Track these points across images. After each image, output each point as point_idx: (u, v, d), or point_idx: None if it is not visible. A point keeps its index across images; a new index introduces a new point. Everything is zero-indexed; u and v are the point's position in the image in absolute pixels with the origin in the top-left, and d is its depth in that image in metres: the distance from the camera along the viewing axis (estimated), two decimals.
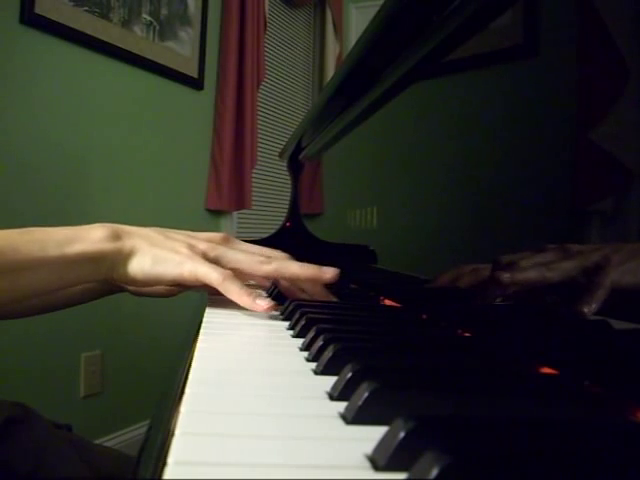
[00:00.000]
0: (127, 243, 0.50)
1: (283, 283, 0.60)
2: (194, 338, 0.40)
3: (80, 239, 0.48)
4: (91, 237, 0.48)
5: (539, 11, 0.38)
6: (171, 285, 0.55)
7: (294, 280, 0.58)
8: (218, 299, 0.61)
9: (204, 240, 0.54)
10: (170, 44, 2.02)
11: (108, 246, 0.48)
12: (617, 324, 0.28)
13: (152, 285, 0.51)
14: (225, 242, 0.56)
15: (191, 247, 0.51)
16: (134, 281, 0.50)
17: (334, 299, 0.59)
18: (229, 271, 0.50)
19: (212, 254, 0.52)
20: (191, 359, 0.33)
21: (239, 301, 0.49)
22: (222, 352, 0.36)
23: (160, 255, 0.50)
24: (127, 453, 0.73)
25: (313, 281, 0.56)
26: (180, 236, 0.53)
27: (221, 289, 0.49)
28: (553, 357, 0.32)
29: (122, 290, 0.67)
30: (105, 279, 0.50)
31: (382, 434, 0.19)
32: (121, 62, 1.82)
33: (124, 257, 0.49)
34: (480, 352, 0.37)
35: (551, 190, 0.35)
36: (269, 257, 0.55)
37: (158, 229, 0.54)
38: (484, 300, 0.39)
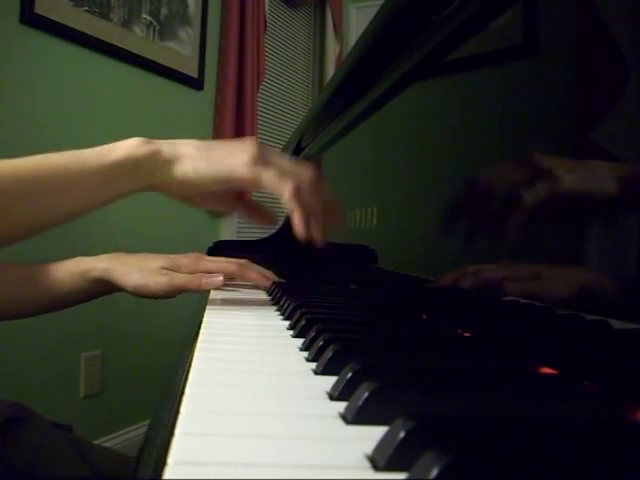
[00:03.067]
0: (166, 148, 0.50)
1: None
2: (194, 338, 0.40)
3: (115, 149, 0.49)
4: (125, 145, 0.49)
5: (539, 11, 0.38)
6: (221, 192, 0.55)
7: None
8: (218, 303, 0.61)
9: (247, 144, 0.52)
10: (170, 44, 2.01)
11: (143, 150, 0.49)
12: (617, 324, 0.28)
13: (204, 189, 0.51)
14: (262, 148, 0.54)
15: (242, 149, 0.51)
16: (184, 184, 0.50)
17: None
18: (296, 184, 0.50)
19: (260, 154, 0.51)
20: (191, 359, 0.33)
21: (298, 222, 0.50)
22: (222, 352, 0.36)
23: (213, 157, 0.50)
24: (127, 453, 0.73)
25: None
26: (221, 143, 0.53)
27: (288, 200, 0.49)
28: (553, 357, 0.32)
29: (118, 290, 0.66)
30: (147, 186, 0.51)
31: (382, 434, 0.19)
32: (121, 62, 1.82)
33: (166, 161, 0.50)
34: (480, 352, 0.37)
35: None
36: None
37: (196, 140, 0.54)
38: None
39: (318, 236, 0.53)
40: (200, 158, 0.50)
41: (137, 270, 0.63)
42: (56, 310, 0.72)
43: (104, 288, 0.66)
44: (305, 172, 0.52)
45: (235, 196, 0.60)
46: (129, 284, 0.62)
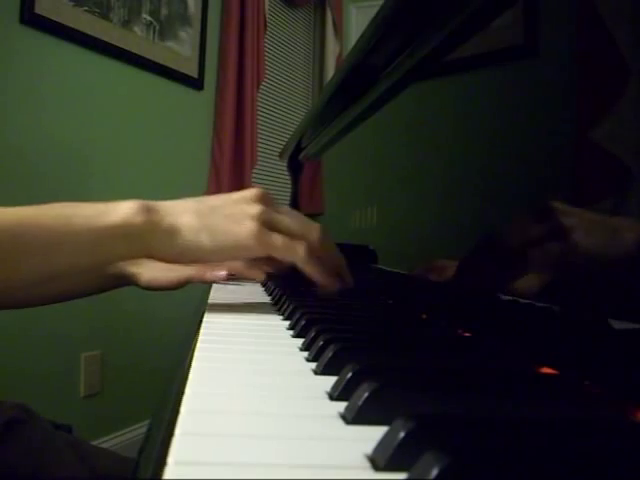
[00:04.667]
0: (165, 218, 0.46)
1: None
2: (194, 338, 0.40)
3: (109, 213, 0.45)
4: (120, 211, 0.45)
5: (539, 11, 0.38)
6: (233, 257, 0.50)
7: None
8: (218, 303, 0.61)
9: (249, 200, 0.49)
10: (170, 44, 2.02)
11: (138, 220, 0.45)
12: (617, 324, 0.28)
13: (206, 260, 0.47)
14: (265, 202, 0.50)
15: (244, 212, 0.47)
16: (184, 256, 0.46)
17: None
18: (307, 245, 0.47)
19: (265, 217, 0.48)
20: (191, 359, 0.33)
21: (320, 279, 0.48)
22: (222, 352, 0.36)
23: (216, 226, 0.46)
24: (127, 454, 0.73)
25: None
26: (223, 202, 0.49)
27: (302, 265, 0.47)
28: (553, 357, 0.32)
29: (129, 284, 0.64)
30: (143, 256, 0.47)
31: (382, 434, 0.19)
32: (121, 62, 1.82)
33: (164, 233, 0.46)
34: (480, 352, 0.37)
35: (551, 190, 0.35)
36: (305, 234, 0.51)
37: (195, 198, 0.50)
38: None
39: (347, 284, 0.53)
40: (202, 229, 0.46)
41: (149, 264, 0.62)
42: (65, 300, 0.71)
43: (118, 282, 0.64)
44: (312, 229, 0.50)
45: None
46: (142, 278, 0.61)
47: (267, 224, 0.48)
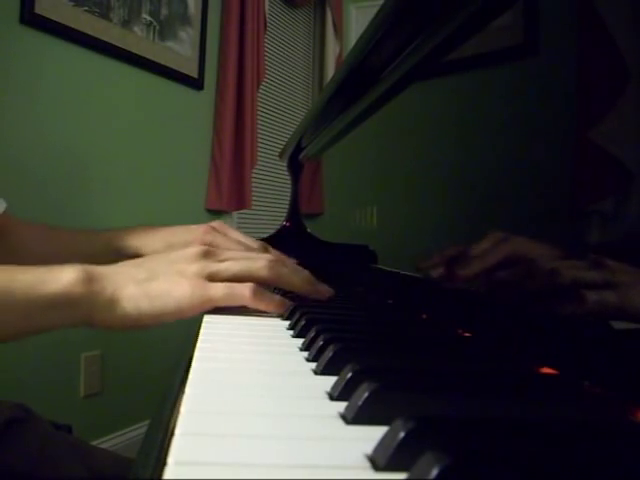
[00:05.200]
0: (107, 286, 0.45)
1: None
2: (194, 338, 0.40)
3: (49, 281, 0.44)
4: (61, 279, 0.44)
5: (539, 11, 0.38)
6: (176, 319, 0.49)
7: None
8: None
9: (188, 259, 0.49)
10: (170, 44, 2.02)
11: (79, 290, 0.44)
12: (617, 324, 0.28)
13: (151, 326, 0.48)
14: (205, 254, 0.51)
15: (181, 273, 0.48)
16: (127, 324, 0.46)
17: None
18: (252, 285, 0.47)
19: (205, 272, 0.48)
20: (191, 359, 0.33)
21: (278, 311, 0.49)
22: (222, 352, 0.36)
23: (155, 291, 0.46)
24: (127, 454, 0.73)
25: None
26: (163, 263, 0.50)
27: (253, 305, 0.47)
28: (553, 357, 0.32)
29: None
30: (82, 324, 0.46)
31: (382, 434, 0.19)
32: (121, 62, 1.82)
33: (105, 303, 0.45)
34: (480, 352, 0.37)
35: (551, 190, 0.35)
36: (257, 255, 0.52)
37: (134, 262, 0.50)
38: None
39: (322, 294, 0.53)
40: (141, 297, 0.45)
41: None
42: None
43: None
44: (257, 268, 0.50)
45: None
46: None
47: (208, 278, 0.47)
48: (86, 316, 0.45)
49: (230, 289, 0.47)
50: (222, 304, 0.47)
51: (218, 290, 0.46)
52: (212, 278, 0.48)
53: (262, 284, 0.50)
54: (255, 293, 0.47)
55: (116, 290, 0.45)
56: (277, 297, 0.50)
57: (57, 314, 0.44)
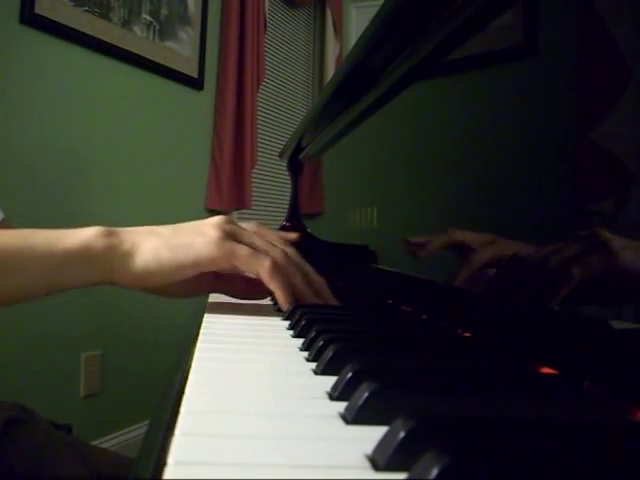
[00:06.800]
0: (126, 240, 0.46)
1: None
2: (194, 338, 0.40)
3: (69, 237, 0.45)
4: (81, 235, 0.45)
5: (539, 11, 0.38)
6: (192, 275, 0.48)
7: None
8: (218, 303, 0.61)
9: (213, 223, 0.48)
10: (170, 44, 2.02)
11: (99, 243, 0.45)
12: (617, 324, 0.28)
13: (171, 279, 0.47)
14: (230, 222, 0.50)
15: (210, 225, 0.47)
16: (147, 278, 0.46)
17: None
18: (273, 259, 0.46)
19: (230, 233, 0.47)
20: (191, 359, 0.33)
21: (282, 297, 0.47)
22: (222, 352, 0.36)
23: (176, 243, 0.46)
24: (127, 454, 0.73)
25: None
26: (186, 225, 0.49)
27: (267, 278, 0.46)
28: (553, 357, 0.32)
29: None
30: (103, 281, 0.46)
31: (382, 434, 0.19)
32: (121, 62, 1.82)
33: (125, 255, 0.45)
34: (480, 352, 0.37)
35: (551, 190, 0.35)
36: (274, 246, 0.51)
37: (159, 226, 0.50)
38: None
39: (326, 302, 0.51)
40: (162, 247, 0.45)
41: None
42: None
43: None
44: (278, 249, 0.49)
45: (214, 275, 0.53)
46: None
47: (231, 235, 0.47)
48: (107, 270, 0.45)
49: (255, 254, 0.46)
50: (242, 266, 0.46)
51: (242, 249, 0.46)
52: (233, 236, 0.47)
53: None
54: (274, 267, 0.46)
55: (136, 242, 0.46)
56: (289, 287, 0.48)
57: (78, 269, 0.45)
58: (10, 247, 0.44)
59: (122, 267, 0.45)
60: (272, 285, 0.47)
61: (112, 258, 0.45)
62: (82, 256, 0.45)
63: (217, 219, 0.49)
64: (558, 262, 0.32)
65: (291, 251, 0.51)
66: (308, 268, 0.52)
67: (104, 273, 0.46)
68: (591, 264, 0.30)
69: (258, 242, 0.48)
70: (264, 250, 0.48)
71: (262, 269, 0.46)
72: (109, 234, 0.46)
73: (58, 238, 0.45)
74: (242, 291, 0.55)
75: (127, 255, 0.45)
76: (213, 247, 0.45)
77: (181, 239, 0.46)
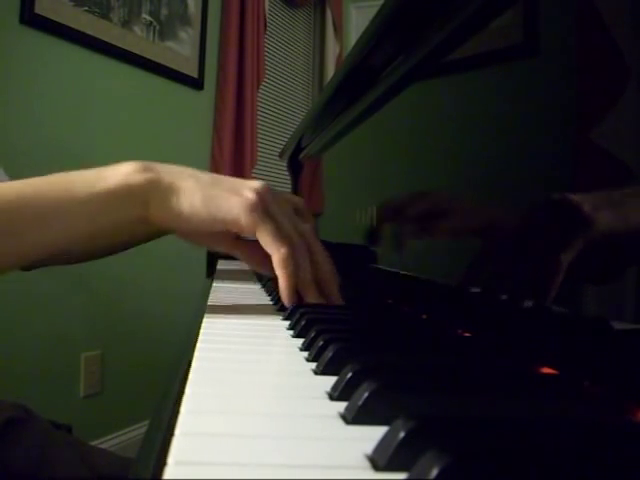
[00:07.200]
0: (165, 177, 0.45)
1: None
2: (194, 338, 0.40)
3: (108, 175, 0.45)
4: (119, 172, 0.45)
5: (539, 11, 0.38)
6: (219, 233, 0.49)
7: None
8: (218, 303, 0.61)
9: (251, 187, 0.47)
10: (170, 44, 2.02)
11: (138, 178, 0.44)
12: (617, 324, 0.28)
13: (199, 228, 0.46)
14: (269, 192, 0.49)
15: (249, 188, 0.46)
16: (178, 220, 0.45)
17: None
18: (290, 249, 0.45)
19: (264, 196, 0.47)
20: (191, 359, 0.33)
21: (283, 289, 0.47)
22: (222, 352, 0.36)
23: (212, 194, 0.45)
24: (127, 454, 0.73)
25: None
26: (227, 179, 0.48)
27: (276, 266, 0.45)
28: (553, 357, 0.32)
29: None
30: (141, 218, 0.46)
31: (382, 434, 0.19)
32: (121, 62, 1.82)
33: (162, 192, 0.45)
34: (480, 352, 0.37)
35: (551, 190, 0.35)
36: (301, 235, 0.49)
37: (202, 171, 0.49)
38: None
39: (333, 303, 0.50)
40: (198, 193, 0.45)
41: None
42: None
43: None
44: (302, 239, 0.48)
45: (234, 237, 0.53)
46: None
47: (265, 205, 0.46)
48: (143, 207, 0.45)
49: (277, 233, 0.45)
50: (261, 240, 0.46)
51: (268, 228, 0.45)
52: (267, 208, 0.47)
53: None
54: (289, 256, 0.45)
55: (175, 181, 0.45)
56: (293, 282, 0.47)
57: (116, 205, 0.44)
58: (50, 195, 0.43)
59: (158, 204, 0.45)
60: (279, 273, 0.46)
61: (150, 195, 0.45)
62: (122, 193, 0.44)
63: (258, 184, 0.48)
64: (544, 248, 0.33)
65: (312, 237, 0.50)
66: (321, 257, 0.51)
67: (140, 209, 0.45)
68: (572, 236, 0.30)
69: (287, 224, 0.48)
70: (288, 234, 0.47)
71: (277, 254, 0.46)
72: (147, 169, 0.45)
73: (96, 177, 0.44)
74: (257, 262, 0.53)
75: (165, 193, 0.45)
76: (245, 211, 0.45)
77: (218, 192, 0.46)
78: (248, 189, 0.47)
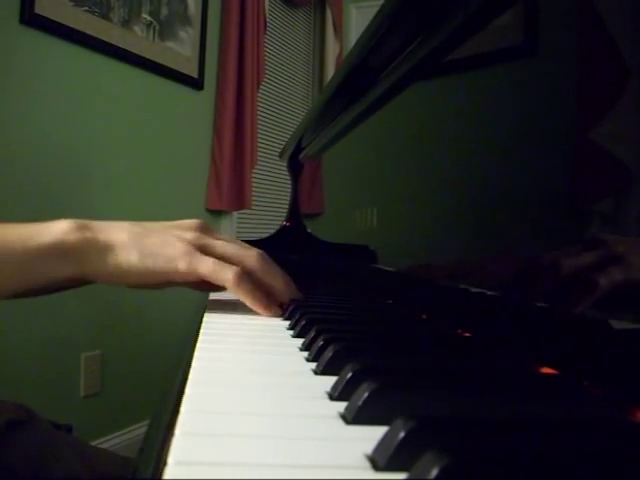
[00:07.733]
0: (100, 235, 0.46)
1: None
2: (194, 338, 0.40)
3: (44, 232, 0.45)
4: (55, 229, 0.45)
5: (539, 11, 0.38)
6: (161, 282, 0.50)
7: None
8: (218, 303, 0.61)
9: (185, 227, 0.50)
10: (170, 44, 2.02)
11: (74, 237, 0.45)
12: (617, 324, 0.28)
13: (139, 281, 0.47)
14: (203, 230, 0.51)
15: (179, 237, 0.48)
16: (116, 276, 0.46)
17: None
18: (239, 269, 0.47)
19: (200, 242, 0.49)
20: (191, 359, 0.33)
21: (253, 305, 0.48)
22: (222, 352, 0.36)
23: (148, 247, 0.46)
24: (127, 454, 0.73)
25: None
26: (159, 226, 0.50)
27: (233, 289, 0.47)
28: (553, 357, 0.32)
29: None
30: (76, 275, 0.46)
31: (382, 434, 0.19)
32: (121, 62, 1.82)
33: (98, 250, 0.46)
34: (480, 352, 0.37)
35: (551, 190, 0.35)
36: (249, 247, 0.52)
37: (134, 222, 0.50)
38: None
39: (276, 313, 0.51)
40: (133, 248, 0.46)
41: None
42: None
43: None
44: (249, 255, 0.50)
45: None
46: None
47: (201, 249, 0.48)
48: (78, 265, 0.45)
49: (219, 266, 0.46)
50: (208, 278, 0.47)
51: (208, 263, 0.46)
52: (204, 250, 0.48)
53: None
54: (240, 278, 0.46)
55: (109, 238, 0.46)
56: (258, 294, 0.49)
57: (52, 263, 0.45)
58: None
59: (94, 263, 0.46)
60: (239, 295, 0.48)
61: (85, 253, 0.45)
62: (55, 251, 0.45)
63: (188, 225, 0.50)
64: (571, 269, 0.32)
65: (263, 258, 0.51)
66: (278, 272, 0.52)
67: (76, 267, 0.46)
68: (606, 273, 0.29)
69: (230, 249, 0.49)
70: (235, 259, 0.49)
71: (227, 282, 0.47)
72: (82, 228, 0.46)
73: (31, 234, 0.45)
74: (214, 286, 0.54)
75: (100, 251, 0.46)
76: (180, 260, 0.46)
77: (151, 246, 0.47)
78: (177, 238, 0.48)
